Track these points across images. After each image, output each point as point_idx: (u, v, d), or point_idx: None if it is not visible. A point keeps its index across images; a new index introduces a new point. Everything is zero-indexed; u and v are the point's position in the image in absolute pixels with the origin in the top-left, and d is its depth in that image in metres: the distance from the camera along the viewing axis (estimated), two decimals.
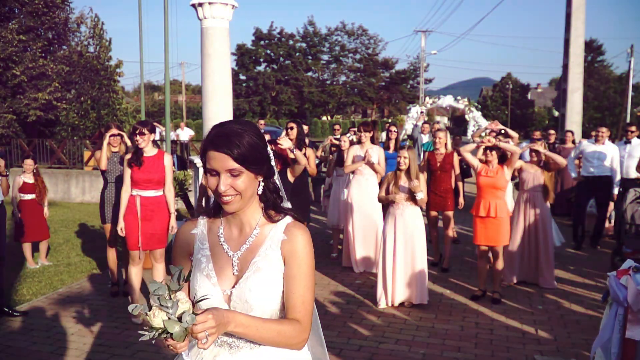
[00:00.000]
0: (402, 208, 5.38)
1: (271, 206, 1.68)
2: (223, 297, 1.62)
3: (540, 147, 5.98)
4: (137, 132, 4.80)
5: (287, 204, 1.77)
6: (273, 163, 1.69)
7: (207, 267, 1.65)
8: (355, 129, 8.24)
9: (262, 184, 1.65)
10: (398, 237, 5.34)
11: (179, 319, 1.36)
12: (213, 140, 1.55)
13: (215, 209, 1.72)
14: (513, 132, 6.79)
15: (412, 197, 5.35)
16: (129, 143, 5.65)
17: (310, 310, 1.63)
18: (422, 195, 5.31)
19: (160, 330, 1.37)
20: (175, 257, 1.76)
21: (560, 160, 5.88)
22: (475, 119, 21.96)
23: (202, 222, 1.73)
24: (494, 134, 6.96)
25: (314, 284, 1.66)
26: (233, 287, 1.62)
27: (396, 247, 5.35)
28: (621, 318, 2.94)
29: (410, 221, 5.36)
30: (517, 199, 6.20)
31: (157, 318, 1.37)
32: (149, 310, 1.39)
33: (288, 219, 1.68)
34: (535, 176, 5.94)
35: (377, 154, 6.60)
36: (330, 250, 7.47)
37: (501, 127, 6.70)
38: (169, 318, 1.36)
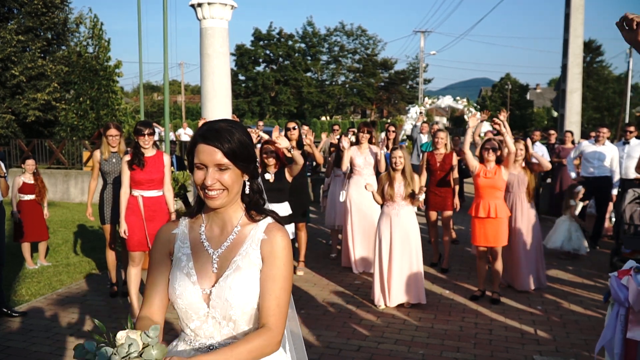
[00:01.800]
0: (397, 208, 5.38)
1: (253, 207, 1.70)
2: (202, 296, 1.61)
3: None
4: (143, 133, 4.83)
5: (269, 206, 1.78)
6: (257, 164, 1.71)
7: (187, 265, 1.64)
8: (355, 129, 8.25)
9: (247, 183, 1.67)
10: (394, 238, 5.33)
11: (145, 346, 1.30)
12: (204, 134, 1.58)
13: (198, 207, 1.72)
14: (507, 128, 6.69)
15: (408, 196, 5.35)
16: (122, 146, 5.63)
17: (284, 313, 1.61)
18: (423, 196, 5.36)
19: None
20: (153, 256, 1.71)
21: (510, 146, 5.40)
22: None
23: (184, 223, 1.73)
24: (490, 134, 6.94)
25: (291, 287, 1.66)
26: (213, 286, 1.61)
27: (392, 248, 5.34)
28: (623, 319, 2.94)
29: (406, 221, 5.35)
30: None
31: None
32: None
33: (269, 220, 1.70)
34: (519, 178, 5.88)
35: (377, 153, 6.62)
36: (330, 251, 7.47)
37: (503, 118, 6.57)
38: (140, 355, 1.28)
